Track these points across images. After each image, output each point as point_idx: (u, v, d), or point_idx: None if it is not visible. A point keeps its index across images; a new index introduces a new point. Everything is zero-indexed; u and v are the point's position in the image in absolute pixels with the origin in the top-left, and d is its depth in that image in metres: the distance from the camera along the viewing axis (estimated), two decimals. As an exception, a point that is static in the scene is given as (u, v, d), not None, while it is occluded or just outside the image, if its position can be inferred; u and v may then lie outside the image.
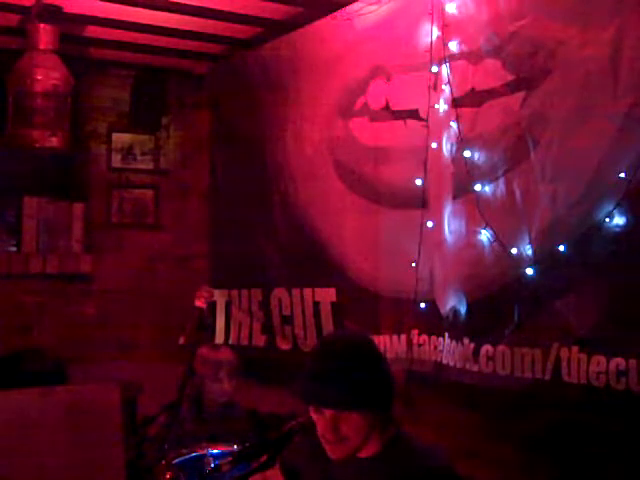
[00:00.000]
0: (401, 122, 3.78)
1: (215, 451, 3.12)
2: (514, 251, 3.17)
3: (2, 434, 3.02)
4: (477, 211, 3.31)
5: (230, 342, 4.86)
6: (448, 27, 3.49)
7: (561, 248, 3.00)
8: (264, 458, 2.14)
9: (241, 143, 5.01)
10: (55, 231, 5.17)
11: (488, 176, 3.31)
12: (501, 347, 3.22)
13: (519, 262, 3.16)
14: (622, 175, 2.80)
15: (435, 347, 3.57)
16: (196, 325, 3.89)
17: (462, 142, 3.40)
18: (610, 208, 2.83)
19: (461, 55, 3.46)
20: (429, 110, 3.55)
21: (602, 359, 2.83)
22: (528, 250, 3.14)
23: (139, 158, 5.53)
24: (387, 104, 3.88)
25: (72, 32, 4.54)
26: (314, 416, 2.06)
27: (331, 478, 2.13)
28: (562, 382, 2.98)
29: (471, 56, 3.41)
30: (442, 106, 3.50)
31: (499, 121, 3.28)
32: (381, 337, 3.81)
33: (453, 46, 3.47)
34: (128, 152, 5.50)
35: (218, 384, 3.72)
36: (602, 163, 2.88)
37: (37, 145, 4.31)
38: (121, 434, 3.26)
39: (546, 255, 3.07)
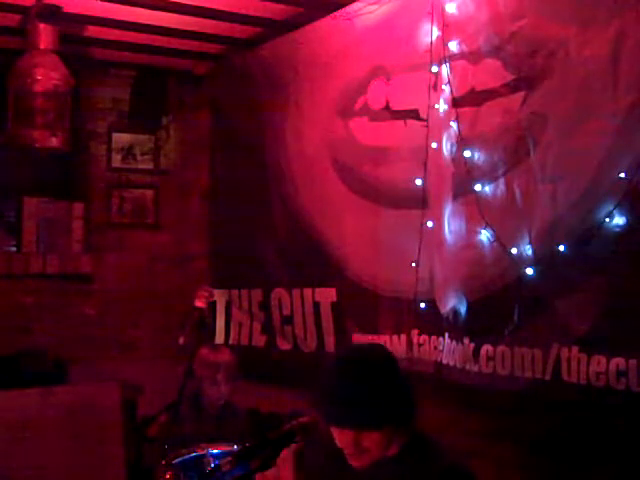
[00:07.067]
0: (401, 122, 3.78)
1: (215, 451, 3.11)
2: (514, 251, 3.17)
3: (2, 434, 3.02)
4: (477, 211, 3.31)
5: (230, 342, 4.86)
6: (448, 27, 3.48)
7: (561, 248, 3.00)
8: (264, 458, 2.13)
9: (241, 143, 5.01)
10: (55, 231, 5.17)
11: (488, 176, 3.31)
12: (501, 347, 3.22)
13: (519, 262, 3.15)
14: (622, 175, 2.80)
15: (435, 347, 3.57)
16: (196, 325, 3.89)
17: (462, 142, 3.40)
18: (610, 208, 2.83)
19: (461, 55, 3.45)
20: (429, 110, 3.55)
21: (602, 359, 2.83)
22: (528, 250, 3.14)
23: (139, 158, 5.53)
24: (387, 104, 3.88)
25: (72, 32, 4.54)
26: (334, 432, 2.07)
27: (348, 477, 2.13)
28: (562, 382, 2.98)
29: (471, 56, 3.41)
30: (442, 106, 3.50)
31: (499, 121, 3.28)
32: (381, 337, 3.82)
33: (453, 46, 3.47)
34: (128, 152, 5.50)
35: (216, 386, 3.72)
36: (602, 163, 2.88)
37: (37, 145, 4.31)
38: (121, 434, 3.27)
39: (546, 255, 3.07)
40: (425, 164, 3.57)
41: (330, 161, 4.27)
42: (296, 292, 4.46)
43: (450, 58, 3.47)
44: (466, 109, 3.41)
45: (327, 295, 4.27)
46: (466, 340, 3.37)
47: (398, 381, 2.10)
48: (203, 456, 3.10)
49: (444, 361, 3.50)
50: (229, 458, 2.13)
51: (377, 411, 2.02)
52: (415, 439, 2.10)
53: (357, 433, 2.02)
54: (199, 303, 3.95)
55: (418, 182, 3.62)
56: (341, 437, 2.06)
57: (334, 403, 2.05)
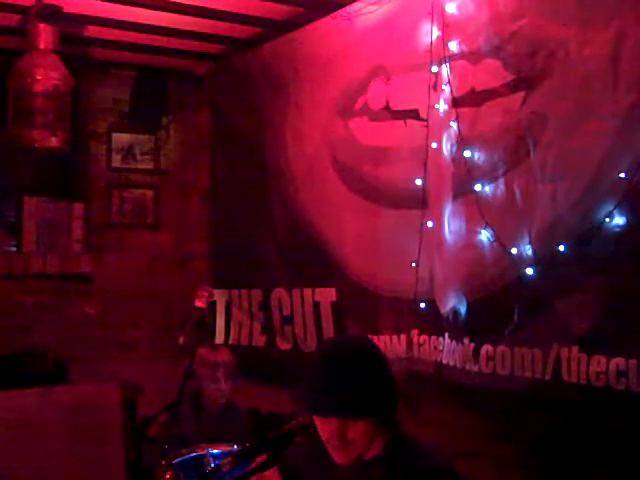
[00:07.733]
0: (401, 122, 3.78)
1: (215, 451, 3.11)
2: (514, 251, 3.17)
3: (2, 434, 3.02)
4: (477, 211, 3.31)
5: (230, 342, 4.86)
6: (448, 27, 3.48)
7: (561, 248, 3.00)
8: (264, 458, 2.13)
9: (241, 143, 5.01)
10: (55, 231, 5.17)
11: (488, 176, 3.31)
12: (501, 347, 3.22)
13: (519, 262, 3.15)
14: (622, 175, 2.80)
15: (435, 347, 3.57)
16: (196, 325, 3.89)
17: (462, 142, 3.40)
18: (610, 208, 2.83)
19: (461, 55, 3.45)
20: (429, 110, 3.55)
21: (602, 359, 2.83)
22: (528, 250, 3.14)
23: (139, 158, 5.53)
24: (387, 104, 3.87)
25: (72, 32, 4.54)
26: (319, 423, 2.06)
27: (332, 479, 2.13)
28: (562, 382, 2.98)
29: (471, 56, 3.41)
30: (442, 106, 3.50)
31: (499, 121, 3.28)
32: (381, 337, 3.81)
33: (453, 46, 3.47)
34: (128, 152, 5.50)
35: (216, 385, 3.73)
36: (602, 163, 2.88)
37: (37, 145, 4.31)
38: (121, 434, 3.27)
39: (546, 255, 3.06)
40: (425, 164, 3.57)
41: (330, 161, 4.27)
42: (296, 292, 4.46)
43: (450, 58, 3.47)
44: (466, 109, 3.41)
45: (327, 295, 4.27)
46: (466, 340, 3.37)
47: (382, 371, 2.09)
48: (203, 456, 3.10)
49: (444, 361, 3.49)
50: (229, 458, 2.13)
51: (362, 399, 2.00)
52: (399, 439, 2.09)
53: (342, 422, 2.01)
54: (199, 303, 3.95)
55: (418, 182, 3.62)
56: (326, 428, 2.04)
57: (319, 393, 2.03)
